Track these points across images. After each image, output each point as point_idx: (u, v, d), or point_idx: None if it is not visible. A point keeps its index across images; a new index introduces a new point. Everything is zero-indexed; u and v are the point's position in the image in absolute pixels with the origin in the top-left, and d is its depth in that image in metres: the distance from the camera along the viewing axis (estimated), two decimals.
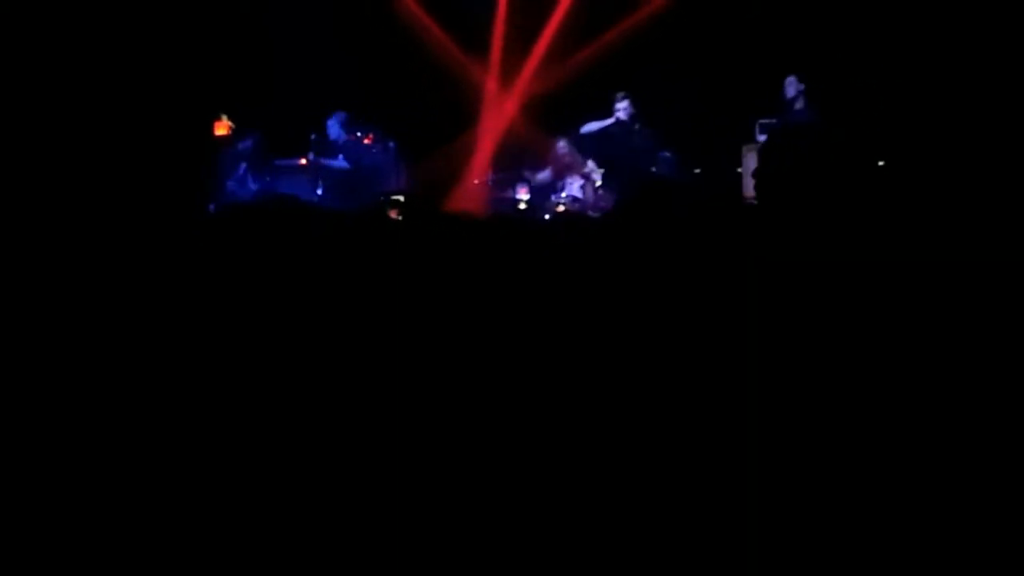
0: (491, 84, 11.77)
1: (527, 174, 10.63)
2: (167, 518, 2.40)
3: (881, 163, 7.50)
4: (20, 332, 2.75)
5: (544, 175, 10.56)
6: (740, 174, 9.94)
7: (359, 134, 10.28)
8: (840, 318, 2.56)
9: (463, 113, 11.51)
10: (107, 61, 7.65)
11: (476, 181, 11.21)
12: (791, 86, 9.47)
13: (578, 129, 10.44)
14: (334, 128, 10.20)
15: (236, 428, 2.57)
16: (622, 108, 9.85)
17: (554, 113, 10.89)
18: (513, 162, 11.00)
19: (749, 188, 9.75)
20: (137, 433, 2.54)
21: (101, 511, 2.40)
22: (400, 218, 9.33)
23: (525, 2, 11.52)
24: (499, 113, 11.71)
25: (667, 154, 9.95)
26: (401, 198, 9.83)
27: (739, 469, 2.38)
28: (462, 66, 11.51)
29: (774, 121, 9.75)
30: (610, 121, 9.95)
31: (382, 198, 9.75)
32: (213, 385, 2.64)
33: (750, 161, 9.95)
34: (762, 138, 10.03)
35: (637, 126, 9.84)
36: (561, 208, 10.28)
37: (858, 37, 9.65)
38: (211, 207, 8.31)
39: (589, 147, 10.01)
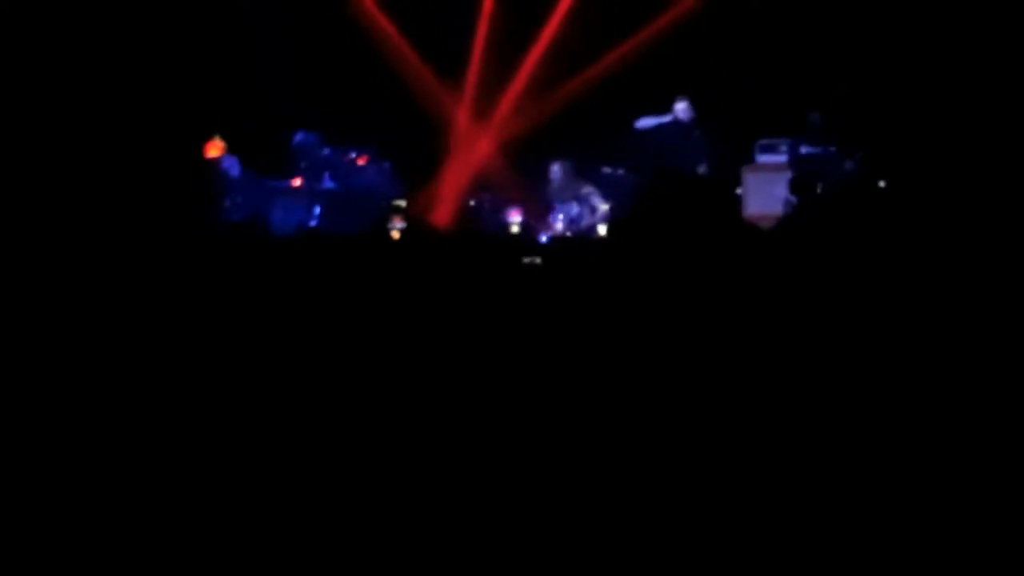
0: (463, 118, 11.36)
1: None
2: (167, 517, 2.40)
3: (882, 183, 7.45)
4: (23, 339, 2.82)
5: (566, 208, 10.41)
6: (740, 195, 9.87)
7: (352, 154, 10.20)
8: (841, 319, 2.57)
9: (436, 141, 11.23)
10: (101, 78, 7.64)
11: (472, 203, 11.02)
12: (816, 120, 9.43)
13: (546, 165, 10.32)
14: (305, 149, 10.09)
15: (239, 435, 2.61)
16: (681, 108, 9.74)
17: (531, 153, 10.67)
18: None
19: (750, 208, 9.74)
20: (137, 440, 2.57)
21: (101, 511, 2.40)
22: (401, 237, 9.34)
23: (504, 33, 11.19)
24: (470, 150, 11.34)
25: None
26: (403, 203, 9.76)
27: (740, 468, 2.37)
28: (434, 95, 11.12)
29: (779, 143, 9.70)
30: (667, 119, 9.85)
31: (385, 204, 9.68)
32: (217, 395, 2.70)
33: (750, 182, 9.89)
34: (762, 159, 9.99)
35: (696, 130, 9.76)
36: (559, 227, 10.21)
37: (862, 60, 9.64)
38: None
39: (638, 142, 9.87)
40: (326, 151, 10.15)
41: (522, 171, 10.79)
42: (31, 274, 3.36)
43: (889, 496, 2.31)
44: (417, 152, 10.72)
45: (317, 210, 9.88)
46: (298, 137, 10.09)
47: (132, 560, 2.32)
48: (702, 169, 9.47)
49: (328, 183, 10.10)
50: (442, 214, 10.75)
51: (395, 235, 9.63)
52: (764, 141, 10.01)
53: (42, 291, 3.18)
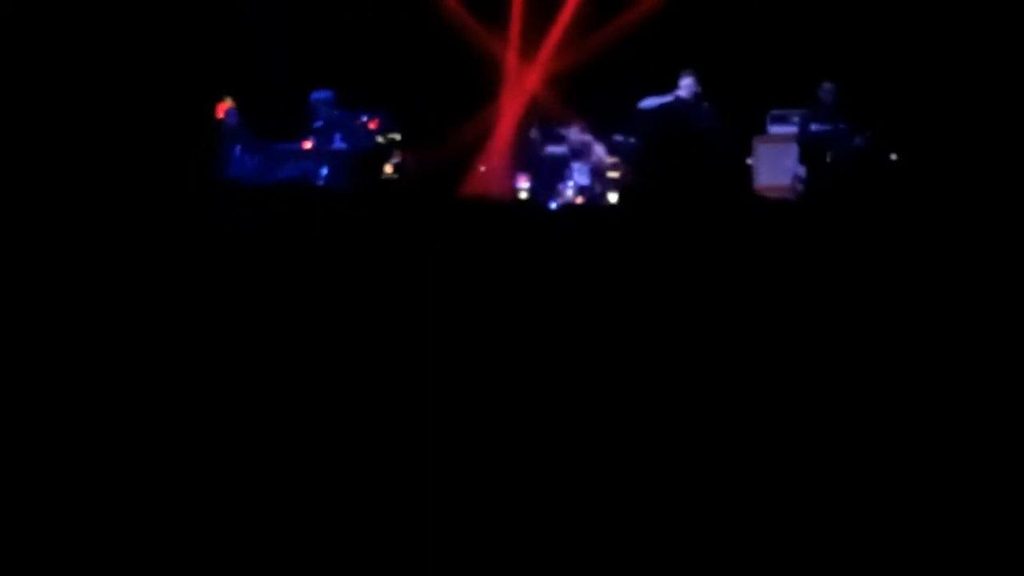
0: (511, 59, 11.60)
1: (563, 131, 10.52)
2: (167, 517, 2.38)
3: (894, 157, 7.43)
4: (28, 312, 2.80)
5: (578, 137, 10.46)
6: (751, 166, 9.83)
7: (364, 118, 10.18)
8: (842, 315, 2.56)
9: (479, 91, 11.35)
10: (108, 44, 7.63)
11: (483, 168, 11.08)
12: (828, 93, 9.31)
13: (598, 109, 10.33)
14: (321, 107, 10.08)
15: (240, 417, 2.58)
16: (685, 85, 9.57)
17: (578, 89, 10.77)
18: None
19: (760, 179, 9.71)
20: (139, 420, 2.55)
21: (101, 510, 2.38)
22: (396, 174, 9.34)
23: None
24: (520, 89, 11.56)
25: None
26: (398, 136, 9.76)
27: (742, 468, 2.36)
28: (480, 40, 11.38)
29: (791, 113, 9.65)
30: (669, 98, 9.74)
31: (380, 139, 9.69)
32: (220, 373, 2.68)
33: (762, 152, 9.85)
34: (774, 129, 9.95)
35: (704, 104, 9.63)
36: (569, 194, 10.19)
37: (875, 37, 9.58)
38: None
39: (645, 124, 9.81)
40: (337, 113, 10.12)
41: (574, 105, 10.83)
42: (34, 236, 3.35)
43: (892, 487, 2.32)
44: (437, 115, 10.77)
45: (324, 171, 9.87)
46: (314, 95, 10.08)
47: (132, 560, 2.31)
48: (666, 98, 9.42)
49: (338, 143, 10.08)
50: (499, 151, 10.95)
51: (388, 168, 9.66)
52: (776, 111, 9.95)
53: (45, 260, 3.16)
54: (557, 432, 2.49)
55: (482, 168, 11.05)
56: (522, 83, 11.59)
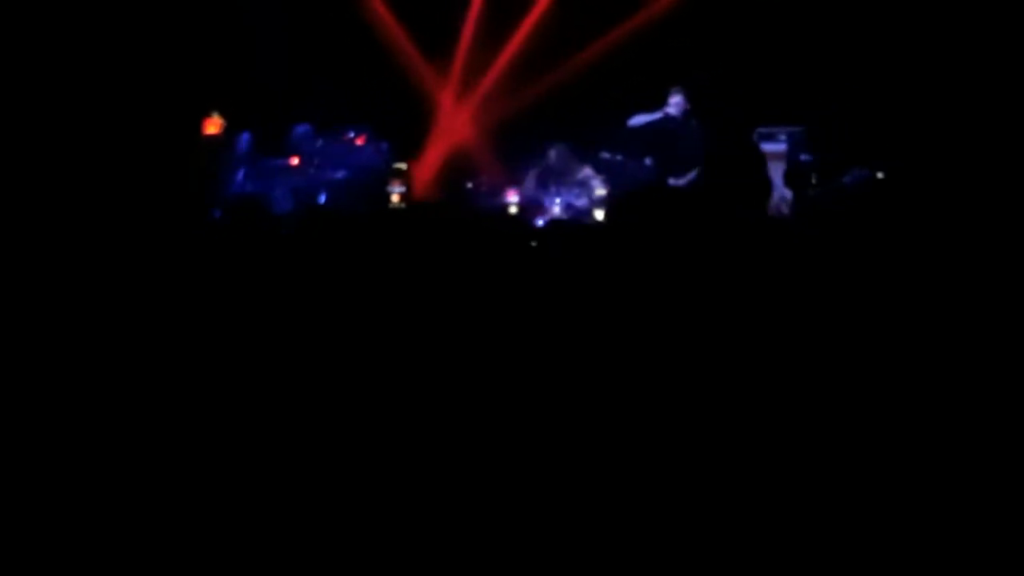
0: (447, 98, 11.52)
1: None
2: (167, 517, 2.40)
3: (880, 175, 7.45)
4: (22, 332, 2.81)
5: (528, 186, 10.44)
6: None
7: (351, 134, 10.18)
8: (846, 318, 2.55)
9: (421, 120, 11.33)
10: (92, 62, 7.61)
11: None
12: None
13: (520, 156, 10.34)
14: (303, 142, 10.10)
15: (241, 422, 2.61)
16: (674, 103, 9.62)
17: (512, 139, 10.71)
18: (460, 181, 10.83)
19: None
20: (139, 427, 2.58)
21: (101, 510, 2.40)
22: (403, 204, 9.34)
23: (494, 16, 11.27)
24: (452, 130, 11.49)
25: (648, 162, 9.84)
26: (404, 166, 9.76)
27: (745, 469, 2.38)
28: (420, 73, 11.32)
29: (779, 131, 9.68)
30: (658, 115, 9.76)
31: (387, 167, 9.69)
32: (218, 380, 2.70)
33: None
34: (761, 147, 9.97)
35: (693, 122, 9.66)
36: (556, 211, 10.19)
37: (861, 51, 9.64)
38: (215, 211, 8.28)
39: (634, 140, 9.82)
40: (320, 142, 10.14)
41: (505, 153, 10.80)
42: (30, 253, 3.36)
43: (891, 489, 2.33)
44: (410, 130, 10.76)
45: (323, 198, 9.88)
46: (295, 131, 10.11)
47: (132, 560, 2.32)
48: (693, 175, 9.42)
49: (332, 173, 10.08)
50: (419, 191, 10.82)
51: (395, 198, 9.64)
52: (764, 129, 9.99)
53: (41, 265, 3.18)
54: (552, 442, 2.49)
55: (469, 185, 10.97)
56: (453, 124, 11.50)
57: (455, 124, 11.47)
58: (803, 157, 9.25)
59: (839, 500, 2.32)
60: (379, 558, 2.35)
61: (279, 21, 10.51)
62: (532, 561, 2.32)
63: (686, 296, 2.72)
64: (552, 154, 10.47)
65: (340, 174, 10.02)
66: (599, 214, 9.92)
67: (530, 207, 10.30)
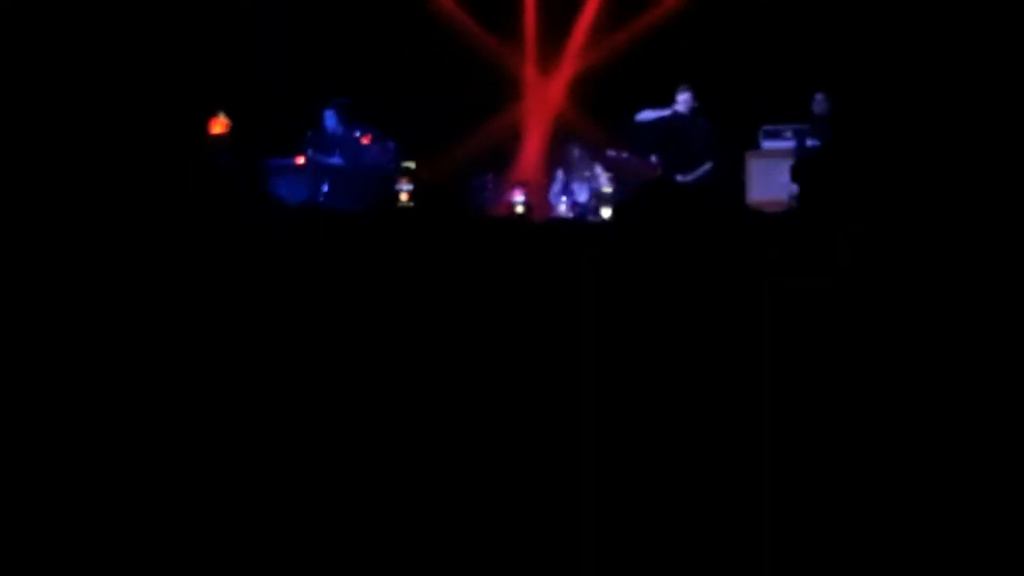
0: (529, 70, 11.66)
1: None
2: (167, 517, 2.39)
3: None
4: (22, 335, 2.78)
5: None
6: (744, 180, 9.85)
7: (357, 133, 10.17)
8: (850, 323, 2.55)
9: (491, 102, 11.38)
10: (93, 62, 7.62)
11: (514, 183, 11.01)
12: (819, 104, 9.39)
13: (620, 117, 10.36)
14: (331, 120, 10.08)
15: (241, 422, 2.60)
16: (682, 100, 9.65)
17: (603, 94, 10.82)
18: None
19: (753, 194, 9.72)
20: (139, 430, 2.56)
21: (101, 511, 2.39)
22: (411, 202, 9.36)
23: None
24: (543, 99, 11.59)
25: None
26: (412, 164, 9.77)
27: (752, 474, 2.37)
28: (496, 54, 11.45)
29: (784, 129, 9.68)
30: (667, 112, 9.78)
31: (395, 168, 9.72)
32: (220, 384, 2.68)
33: (754, 168, 9.86)
34: (767, 144, 9.96)
35: (701, 119, 9.68)
36: (562, 209, 10.20)
37: (868, 48, 9.62)
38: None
39: (642, 136, 9.84)
40: (341, 128, 10.15)
41: (600, 117, 10.88)
42: (34, 253, 3.36)
43: (895, 498, 2.32)
44: (429, 127, 10.79)
45: (325, 187, 9.88)
46: (330, 107, 10.12)
47: (132, 559, 2.32)
48: (706, 168, 9.43)
49: (335, 159, 10.08)
50: (527, 167, 11.06)
51: (404, 196, 9.66)
52: (769, 127, 9.97)
53: (45, 264, 3.17)
54: (549, 447, 2.48)
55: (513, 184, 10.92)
56: (544, 95, 11.63)
57: (547, 96, 11.60)
58: (809, 143, 9.25)
59: (840, 500, 2.32)
60: (379, 558, 2.34)
61: (280, 21, 10.55)
62: (532, 561, 2.31)
63: (690, 296, 2.73)
64: (574, 150, 10.54)
65: (339, 163, 10.03)
66: (606, 212, 9.93)
67: (547, 205, 10.35)
